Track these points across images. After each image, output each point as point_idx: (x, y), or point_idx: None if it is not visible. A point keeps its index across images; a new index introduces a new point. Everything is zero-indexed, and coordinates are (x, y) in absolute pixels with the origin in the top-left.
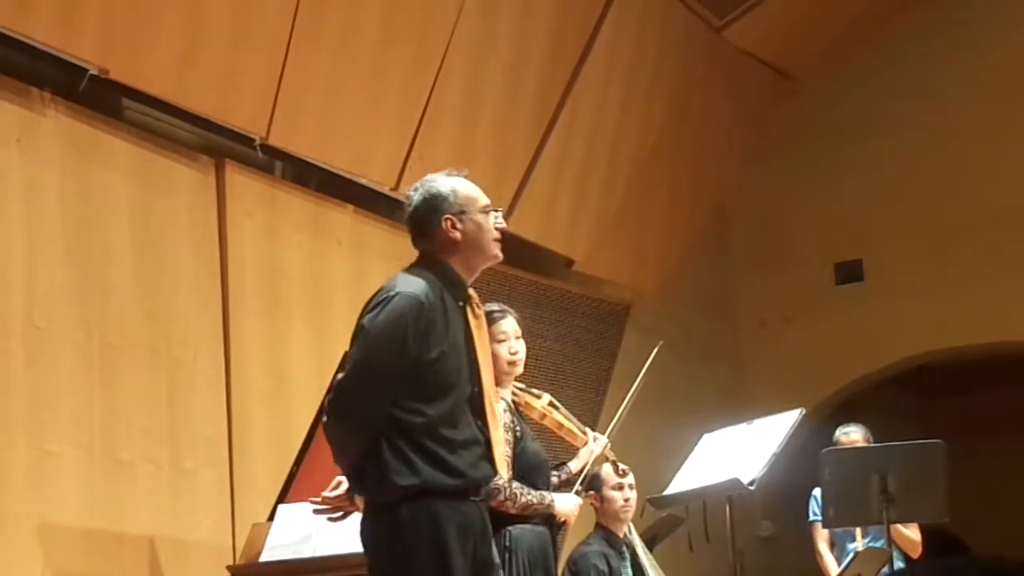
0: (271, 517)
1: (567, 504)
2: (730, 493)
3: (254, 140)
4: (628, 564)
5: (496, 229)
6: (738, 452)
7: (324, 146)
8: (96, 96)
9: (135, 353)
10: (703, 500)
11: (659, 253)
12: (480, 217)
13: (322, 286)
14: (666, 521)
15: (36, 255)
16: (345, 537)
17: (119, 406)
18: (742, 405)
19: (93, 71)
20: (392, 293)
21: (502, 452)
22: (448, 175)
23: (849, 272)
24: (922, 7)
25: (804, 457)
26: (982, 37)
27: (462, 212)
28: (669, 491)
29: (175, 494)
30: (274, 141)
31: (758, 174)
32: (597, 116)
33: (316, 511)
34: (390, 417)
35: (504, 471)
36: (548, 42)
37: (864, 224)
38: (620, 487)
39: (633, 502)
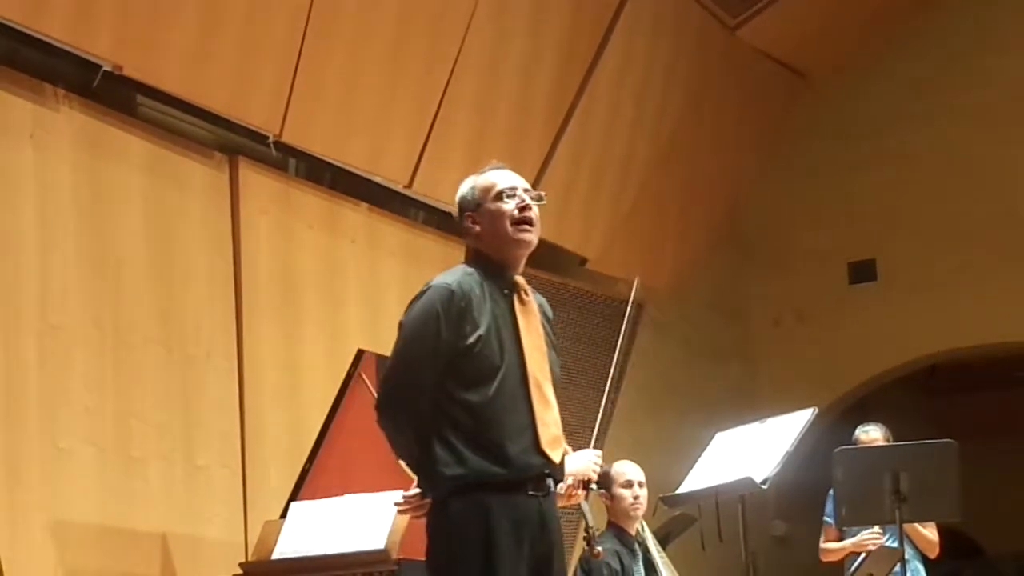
0: (284, 514)
1: (576, 463)
2: (743, 492)
3: (268, 137)
4: (641, 562)
5: (519, 209)
6: (751, 451)
7: (338, 144)
8: (110, 93)
9: (148, 350)
10: (716, 499)
11: (672, 251)
12: (493, 205)
13: (335, 284)
14: (679, 519)
15: (49, 252)
16: (357, 535)
17: (132, 403)
18: (755, 404)
19: (107, 67)
20: (426, 287)
21: (554, 434)
22: (479, 173)
23: (863, 271)
24: (935, 6)
25: (817, 456)
26: (997, 36)
27: (478, 206)
28: (682, 489)
29: (188, 491)
30: (288, 138)
31: (772, 173)
32: (611, 114)
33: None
34: (437, 408)
35: (557, 455)
36: (562, 40)
37: (878, 223)
38: (629, 484)
39: (643, 500)
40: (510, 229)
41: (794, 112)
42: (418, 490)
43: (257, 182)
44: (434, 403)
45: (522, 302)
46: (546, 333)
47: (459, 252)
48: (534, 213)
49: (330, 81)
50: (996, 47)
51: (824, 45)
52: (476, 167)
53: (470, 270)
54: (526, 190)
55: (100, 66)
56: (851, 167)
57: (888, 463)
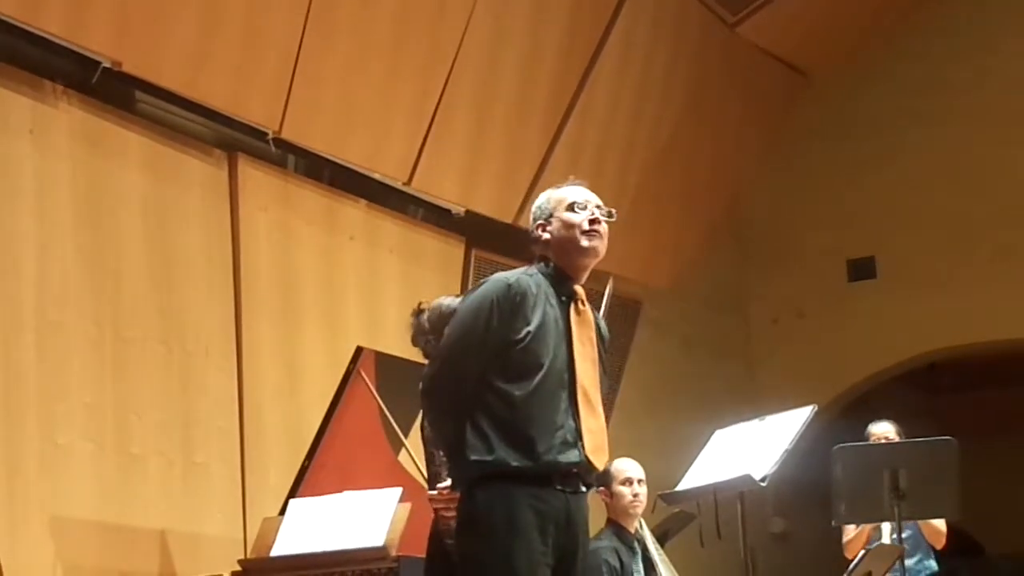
0: (282, 511)
1: None
2: (742, 489)
3: (267, 134)
4: (639, 559)
5: (589, 221)
6: (750, 448)
7: (337, 140)
8: (109, 89)
9: (147, 347)
10: (715, 496)
11: (672, 249)
12: (565, 215)
13: (334, 280)
14: (678, 517)
15: (49, 248)
16: (356, 532)
17: (131, 400)
18: (754, 401)
19: (106, 64)
20: (484, 280)
21: (599, 443)
22: (556, 187)
23: (862, 269)
24: (936, 4)
25: (816, 454)
26: (998, 34)
27: (550, 215)
28: (681, 487)
29: (187, 488)
30: (287, 135)
31: (772, 170)
32: (610, 112)
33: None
34: (476, 396)
35: (600, 463)
36: (561, 37)
37: (877, 221)
38: (629, 482)
39: (643, 498)
40: (577, 237)
41: (794, 112)
42: (449, 482)
43: (256, 179)
44: (474, 391)
45: (578, 312)
46: (598, 351)
47: (457, 249)
48: (603, 227)
49: (329, 78)
50: (996, 47)
51: (825, 43)
52: (475, 164)
53: (532, 271)
54: (598, 206)
55: (99, 62)
56: (851, 165)
57: (887, 460)
